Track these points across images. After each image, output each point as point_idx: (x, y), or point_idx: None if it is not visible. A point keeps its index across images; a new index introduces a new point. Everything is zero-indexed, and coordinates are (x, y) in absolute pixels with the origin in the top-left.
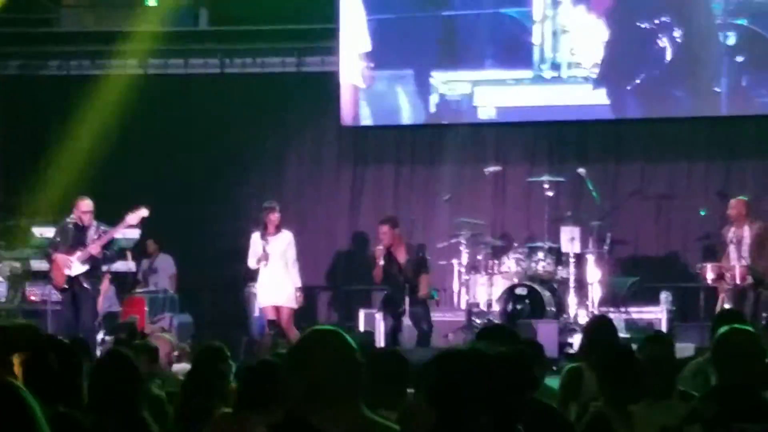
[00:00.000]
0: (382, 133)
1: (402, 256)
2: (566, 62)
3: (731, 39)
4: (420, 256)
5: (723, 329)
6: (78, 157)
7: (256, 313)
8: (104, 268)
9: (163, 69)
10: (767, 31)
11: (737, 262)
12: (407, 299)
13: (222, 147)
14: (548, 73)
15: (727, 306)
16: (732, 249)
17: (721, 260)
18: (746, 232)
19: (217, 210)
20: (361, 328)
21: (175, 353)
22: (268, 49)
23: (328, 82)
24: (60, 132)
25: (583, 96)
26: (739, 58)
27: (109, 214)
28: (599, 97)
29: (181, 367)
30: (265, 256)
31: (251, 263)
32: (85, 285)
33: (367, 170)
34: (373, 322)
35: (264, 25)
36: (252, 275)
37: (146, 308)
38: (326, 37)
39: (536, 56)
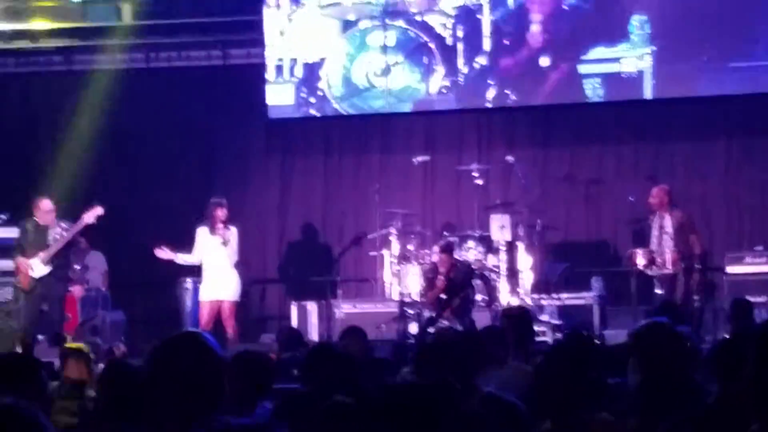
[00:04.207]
0: (310, 124)
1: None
2: None
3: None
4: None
5: (639, 326)
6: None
7: (189, 309)
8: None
9: (88, 65)
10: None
11: (663, 249)
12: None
13: (149, 141)
14: None
15: (659, 291)
16: (655, 236)
17: (649, 246)
18: (667, 221)
19: (145, 205)
20: (294, 321)
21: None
22: (193, 43)
23: (254, 75)
24: None
25: None
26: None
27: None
28: None
29: None
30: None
31: (194, 258)
32: (51, 285)
33: (296, 162)
34: (305, 315)
35: (188, 18)
36: (186, 270)
37: (78, 307)
38: (251, 29)
39: None
